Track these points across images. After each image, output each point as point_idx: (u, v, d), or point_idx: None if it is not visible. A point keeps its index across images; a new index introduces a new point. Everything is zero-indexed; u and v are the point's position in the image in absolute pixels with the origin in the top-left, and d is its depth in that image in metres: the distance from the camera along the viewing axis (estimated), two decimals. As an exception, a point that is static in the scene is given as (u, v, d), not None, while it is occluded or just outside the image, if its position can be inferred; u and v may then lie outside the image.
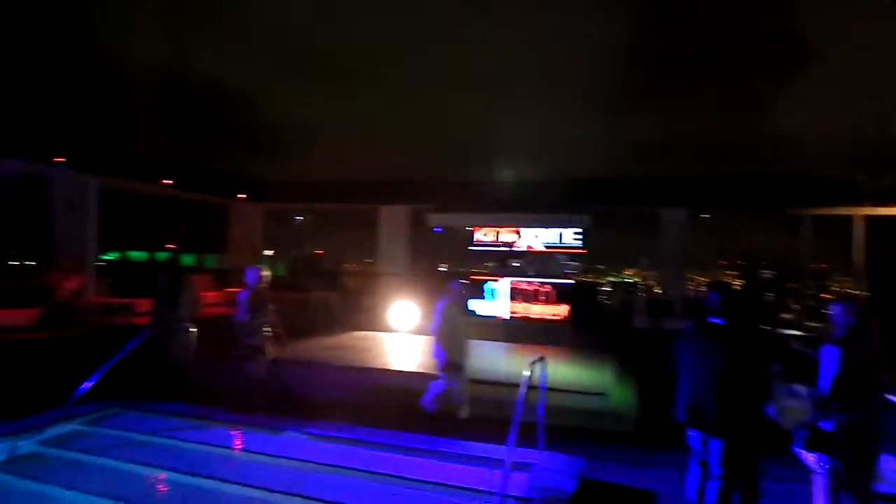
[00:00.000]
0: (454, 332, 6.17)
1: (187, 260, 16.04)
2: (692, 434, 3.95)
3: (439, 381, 6.22)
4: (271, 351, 6.46)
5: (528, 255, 13.94)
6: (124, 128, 10.39)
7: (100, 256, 12.47)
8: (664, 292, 15.45)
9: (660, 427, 5.21)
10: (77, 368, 5.98)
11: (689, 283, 15.78)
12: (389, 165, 13.48)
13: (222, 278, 15.79)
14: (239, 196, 16.17)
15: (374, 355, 9.66)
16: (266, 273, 6.57)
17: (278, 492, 4.44)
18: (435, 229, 15.75)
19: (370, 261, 17.48)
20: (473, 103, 8.79)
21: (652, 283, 18.63)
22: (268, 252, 18.05)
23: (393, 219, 16.24)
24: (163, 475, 4.85)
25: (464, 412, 6.17)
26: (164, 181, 13.29)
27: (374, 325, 12.79)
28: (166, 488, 4.76)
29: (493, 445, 4.86)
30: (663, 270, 15.90)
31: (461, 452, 4.90)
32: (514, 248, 14.05)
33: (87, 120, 9.91)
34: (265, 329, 6.39)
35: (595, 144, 10.80)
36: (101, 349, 6.31)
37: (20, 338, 9.27)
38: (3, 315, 9.52)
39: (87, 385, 5.27)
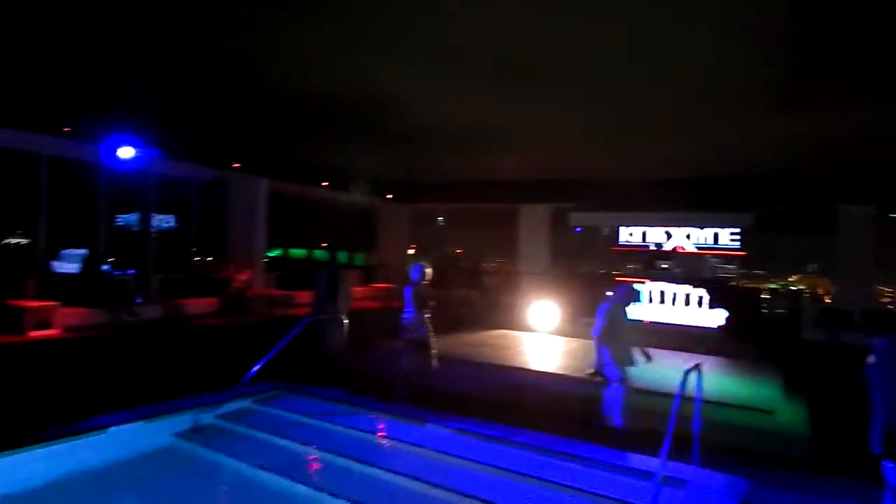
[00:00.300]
0: (619, 335, 5.90)
1: (340, 257, 17.18)
2: (889, 466, 3.40)
3: (611, 388, 5.96)
4: (434, 345, 6.64)
5: (678, 257, 13.09)
6: (290, 134, 11.36)
7: (266, 253, 13.75)
8: (838, 302, 13.63)
9: (842, 454, 4.57)
10: (248, 351, 6.63)
11: (874, 292, 13.76)
12: (530, 164, 13.34)
13: (370, 275, 16.69)
14: (386, 197, 16.99)
15: (515, 354, 9.63)
16: (429, 270, 6.76)
17: (420, 480, 4.55)
18: (576, 229, 15.34)
19: (508, 260, 17.46)
20: (618, 99, 8.38)
21: (821, 291, 16.55)
22: (411, 251, 18.73)
23: (533, 218, 16.07)
24: (318, 455, 5.21)
25: (616, 420, 5.87)
26: (322, 183, 14.36)
27: (514, 324, 12.75)
28: (320, 467, 5.09)
29: (642, 456, 4.58)
30: (839, 277, 14.03)
31: (608, 461, 4.67)
32: (662, 249, 13.28)
33: (260, 129, 10.97)
34: (427, 324, 6.58)
35: (760, 138, 9.81)
36: (267, 335, 6.95)
37: (204, 323, 10.57)
38: (191, 303, 10.91)
39: (257, 367, 5.80)
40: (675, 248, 12.90)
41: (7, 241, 10.06)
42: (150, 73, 7.83)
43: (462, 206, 17.79)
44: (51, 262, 10.45)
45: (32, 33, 6.51)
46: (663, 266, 13.17)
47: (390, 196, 16.99)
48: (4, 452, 4.53)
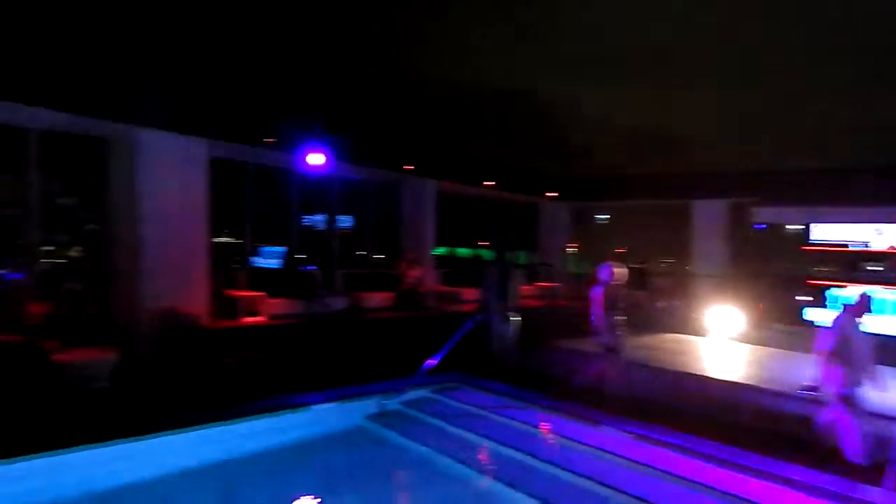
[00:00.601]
0: (853, 352, 5.28)
1: (507, 256, 17.42)
2: None
3: (831, 409, 5.34)
4: (625, 349, 6.41)
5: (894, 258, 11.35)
6: (455, 136, 11.77)
7: (434, 251, 14.34)
8: None
9: None
10: (423, 342, 7.04)
11: None
12: (705, 157, 12.38)
13: (532, 273, 16.69)
14: (548, 195, 16.87)
15: (693, 360, 9.02)
16: (620, 270, 6.52)
17: (593, 481, 4.48)
18: (757, 225, 13.98)
19: (679, 260, 16.38)
20: (813, 81, 7.41)
21: None
22: (571, 249, 18.41)
23: (708, 214, 14.92)
24: (493, 446, 5.34)
25: (833, 443, 5.15)
26: (487, 183, 14.66)
27: (688, 328, 11.95)
28: (494, 458, 5.22)
29: (863, 485, 4.04)
30: None
31: (814, 484, 4.18)
32: (869, 248, 11.61)
33: (429, 132, 11.51)
34: (619, 327, 6.35)
35: None
36: (440, 329, 7.30)
37: (382, 315, 11.38)
38: (370, 297, 11.83)
39: (436, 359, 6.13)
40: (889, 248, 11.18)
41: (219, 239, 11.61)
42: (336, 86, 8.61)
43: (628, 202, 17.09)
44: (252, 258, 11.91)
45: (241, 60, 7.50)
46: (872, 269, 11.46)
47: (553, 194, 16.84)
48: (217, 423, 5.26)
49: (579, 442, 5.26)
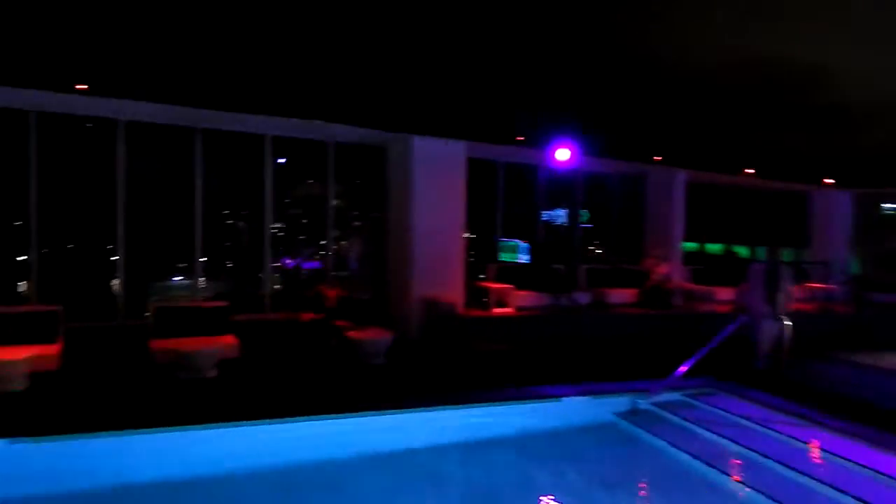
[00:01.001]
0: None
1: (756, 252, 15.69)
2: None
3: None
4: None
5: None
6: (710, 121, 10.94)
7: (680, 246, 13.48)
8: None
9: None
10: (671, 343, 6.81)
11: None
12: None
13: (800, 273, 14.67)
14: (825, 182, 14.60)
15: None
16: None
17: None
18: None
19: None
20: None
21: None
22: (852, 245, 15.74)
23: None
24: (752, 457, 5.03)
25: None
26: (747, 171, 13.25)
27: None
28: (752, 470, 4.91)
29: None
30: None
31: None
32: None
33: (680, 118, 10.89)
34: None
35: None
36: (691, 330, 6.96)
37: (626, 311, 11.20)
38: (613, 292, 11.70)
39: (692, 362, 5.93)
40: None
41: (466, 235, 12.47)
42: (584, 80, 8.71)
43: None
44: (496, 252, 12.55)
45: (494, 64, 8.06)
46: None
47: (829, 180, 14.56)
48: (475, 405, 5.81)
49: (864, 465, 4.65)
